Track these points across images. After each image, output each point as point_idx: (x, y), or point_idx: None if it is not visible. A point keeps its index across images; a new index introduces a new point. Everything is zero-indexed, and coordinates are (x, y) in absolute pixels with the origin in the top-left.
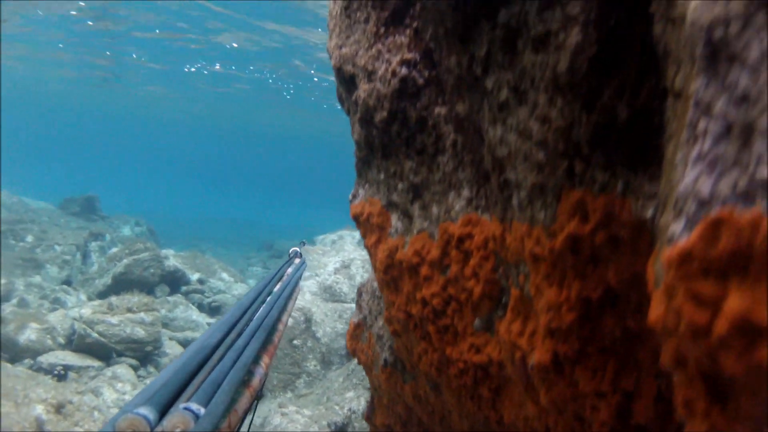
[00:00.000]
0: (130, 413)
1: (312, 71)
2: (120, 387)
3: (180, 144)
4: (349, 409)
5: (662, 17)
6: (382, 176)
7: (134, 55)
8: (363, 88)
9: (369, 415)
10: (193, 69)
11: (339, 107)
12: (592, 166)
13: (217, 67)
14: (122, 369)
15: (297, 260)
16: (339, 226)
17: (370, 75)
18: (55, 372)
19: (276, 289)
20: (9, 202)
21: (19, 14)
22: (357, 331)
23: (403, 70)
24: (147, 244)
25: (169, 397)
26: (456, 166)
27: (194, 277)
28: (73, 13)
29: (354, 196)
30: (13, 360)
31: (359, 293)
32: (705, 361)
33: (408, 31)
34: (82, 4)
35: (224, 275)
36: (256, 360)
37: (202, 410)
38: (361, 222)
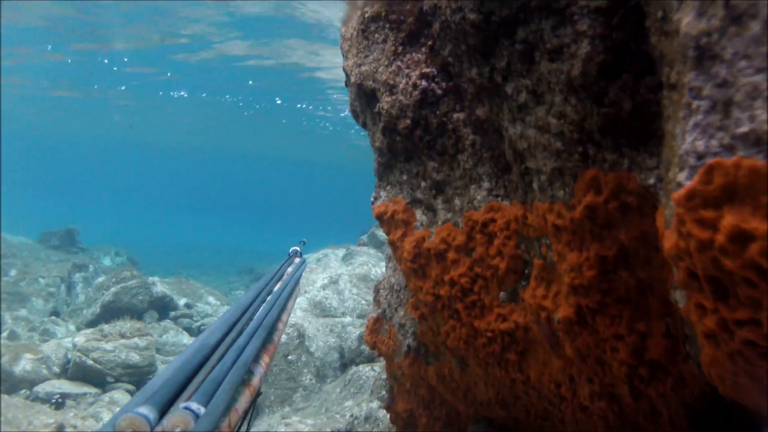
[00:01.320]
0: (130, 412)
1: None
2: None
3: (156, 173)
4: (351, 415)
5: (657, 30)
6: (404, 177)
7: (113, 67)
8: (386, 101)
9: (389, 404)
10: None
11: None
12: (603, 149)
13: (204, 95)
14: (119, 394)
15: (297, 259)
16: (319, 247)
17: (391, 89)
18: (53, 400)
19: (276, 288)
20: None
21: None
22: (376, 325)
23: (423, 83)
24: (133, 272)
25: (169, 396)
26: (476, 162)
27: (181, 302)
28: (57, 56)
29: (375, 198)
30: (10, 391)
31: (376, 290)
32: (710, 267)
33: (424, 49)
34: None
35: (210, 299)
36: (256, 359)
37: (202, 409)
38: (384, 220)
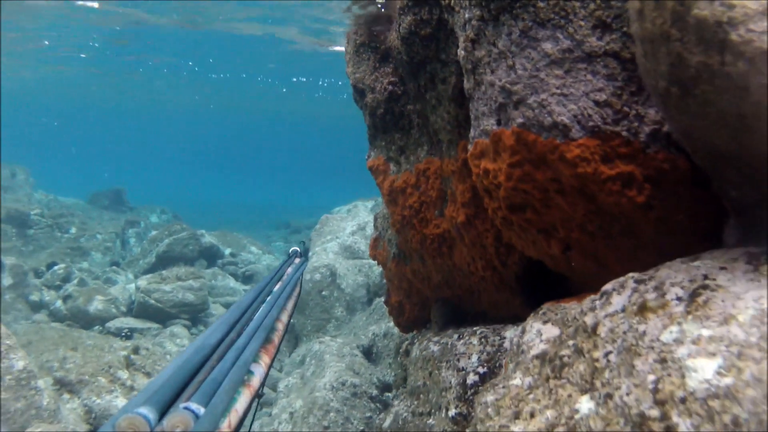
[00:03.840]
0: (130, 413)
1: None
2: (179, 342)
3: (196, 134)
4: (373, 334)
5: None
6: (383, 143)
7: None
8: (369, 97)
9: (387, 299)
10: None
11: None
12: (466, 129)
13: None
14: (178, 328)
15: (297, 260)
16: (350, 200)
17: (372, 89)
18: (123, 334)
19: (276, 288)
20: (46, 200)
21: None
22: (375, 242)
23: (390, 87)
24: (183, 225)
25: (170, 396)
26: (420, 135)
27: (227, 251)
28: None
29: (368, 156)
30: (86, 327)
31: (375, 218)
32: (482, 185)
33: (391, 66)
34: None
35: (253, 248)
36: (256, 359)
37: (202, 410)
38: (373, 170)
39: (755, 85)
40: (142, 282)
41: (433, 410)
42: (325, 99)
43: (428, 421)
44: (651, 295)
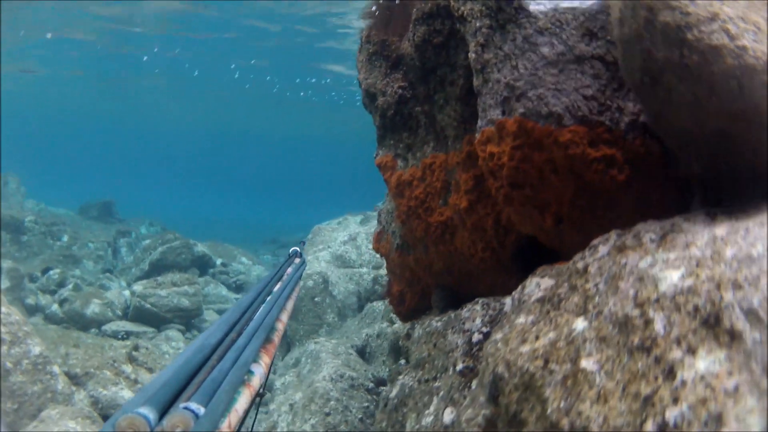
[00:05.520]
0: (130, 413)
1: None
2: (174, 345)
3: (185, 149)
4: (366, 335)
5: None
6: (391, 142)
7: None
8: (381, 100)
9: (388, 290)
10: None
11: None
12: (471, 124)
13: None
14: (173, 332)
15: (297, 260)
16: (339, 215)
17: (384, 93)
18: (119, 337)
19: (276, 289)
20: (37, 209)
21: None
22: (379, 236)
23: (400, 91)
24: (176, 234)
25: (169, 396)
26: (426, 133)
27: (219, 261)
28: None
29: (376, 155)
30: (83, 330)
31: (379, 214)
32: (487, 167)
33: (401, 72)
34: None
35: (243, 259)
36: (256, 359)
37: (202, 410)
38: (381, 167)
39: (706, 72)
40: (138, 287)
41: (438, 374)
42: (315, 112)
43: (434, 385)
44: (630, 240)
